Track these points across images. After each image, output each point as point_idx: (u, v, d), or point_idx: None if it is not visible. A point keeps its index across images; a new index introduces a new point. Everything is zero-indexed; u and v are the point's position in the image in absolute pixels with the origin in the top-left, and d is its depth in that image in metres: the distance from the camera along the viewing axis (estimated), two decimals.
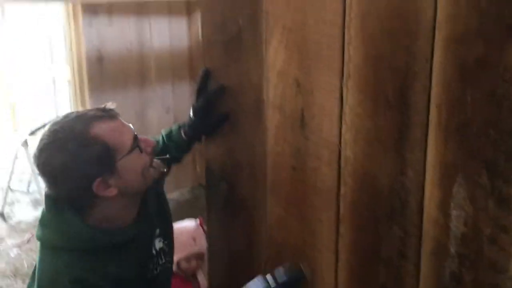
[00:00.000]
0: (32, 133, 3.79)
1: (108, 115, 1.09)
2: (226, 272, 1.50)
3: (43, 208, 1.16)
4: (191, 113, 1.30)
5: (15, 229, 3.61)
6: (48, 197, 1.14)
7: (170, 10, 3.27)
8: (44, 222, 1.15)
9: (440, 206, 0.99)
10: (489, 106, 0.96)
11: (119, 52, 3.11)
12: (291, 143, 1.22)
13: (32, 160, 1.19)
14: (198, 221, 2.17)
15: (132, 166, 1.10)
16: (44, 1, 4.12)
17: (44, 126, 3.78)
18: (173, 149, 1.33)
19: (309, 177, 1.20)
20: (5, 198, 3.82)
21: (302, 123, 1.19)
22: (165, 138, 1.36)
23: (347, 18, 1.09)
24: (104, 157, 1.05)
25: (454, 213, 0.97)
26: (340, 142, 1.16)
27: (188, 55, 3.52)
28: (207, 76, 1.27)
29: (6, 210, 3.85)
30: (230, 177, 1.35)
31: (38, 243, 1.16)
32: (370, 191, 1.11)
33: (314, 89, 1.16)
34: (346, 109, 1.13)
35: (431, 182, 1.05)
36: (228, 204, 1.40)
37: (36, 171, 1.11)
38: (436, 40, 1.00)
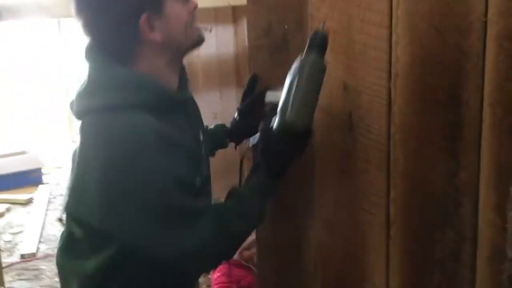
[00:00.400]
0: None
1: None
2: (275, 276, 1.50)
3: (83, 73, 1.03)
4: (236, 114, 1.31)
5: None
6: (90, 51, 1.03)
7: (216, 18, 3.33)
8: (88, 89, 1.00)
9: (496, 208, 0.96)
10: None
11: None
12: (339, 146, 1.21)
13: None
14: None
15: (177, 14, 1.02)
16: None
17: None
18: (212, 143, 1.33)
19: (358, 180, 1.19)
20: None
21: (350, 125, 1.19)
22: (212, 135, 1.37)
23: (394, 18, 1.08)
24: None
25: (511, 215, 0.93)
26: (389, 144, 1.14)
27: (234, 62, 3.56)
28: (254, 80, 1.29)
29: (64, 216, 4.03)
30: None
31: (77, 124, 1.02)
32: (421, 194, 1.09)
33: (362, 90, 1.15)
34: (395, 109, 1.12)
35: (486, 184, 1.02)
36: (275, 207, 1.41)
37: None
38: (487, 37, 0.97)
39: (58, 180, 4.44)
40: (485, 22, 0.97)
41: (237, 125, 1.30)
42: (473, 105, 1.01)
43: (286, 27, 1.23)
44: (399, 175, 1.12)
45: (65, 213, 1.11)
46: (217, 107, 3.58)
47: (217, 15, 3.42)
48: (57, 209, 3.98)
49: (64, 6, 2.62)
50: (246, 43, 4.10)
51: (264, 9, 1.26)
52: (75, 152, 1.06)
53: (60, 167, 4.58)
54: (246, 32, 1.34)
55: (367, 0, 1.09)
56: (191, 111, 1.14)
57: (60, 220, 4.00)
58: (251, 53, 1.37)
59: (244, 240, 1.10)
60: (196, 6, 1.07)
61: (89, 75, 1.01)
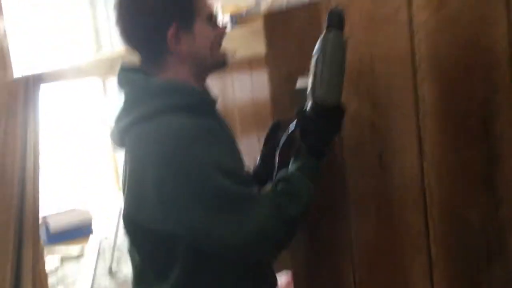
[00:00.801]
0: None
1: None
2: None
3: (120, 95, 1.08)
4: (258, 158, 1.32)
5: (122, 285, 3.80)
6: (121, 75, 1.09)
7: (251, 65, 3.41)
8: (125, 107, 1.05)
9: None
10: None
11: None
12: (372, 187, 1.19)
13: (114, 6, 1.08)
14: (288, 275, 2.13)
15: (205, 33, 1.08)
16: None
17: None
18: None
19: (395, 222, 1.15)
20: (112, 255, 4.07)
21: (381, 165, 1.16)
22: None
23: (417, 55, 1.07)
24: (187, 5, 1.05)
25: None
26: (423, 182, 1.10)
27: (270, 106, 3.59)
28: (276, 126, 1.29)
29: (114, 267, 4.09)
30: (309, 223, 1.33)
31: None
32: (462, 233, 1.04)
33: (391, 129, 1.13)
34: (426, 147, 1.09)
35: None
36: (311, 247, 1.38)
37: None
38: None
39: (107, 232, 4.54)
40: (511, 54, 0.94)
41: (258, 170, 1.31)
42: (508, 137, 0.98)
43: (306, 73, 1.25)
44: (437, 215, 1.08)
45: (126, 237, 1.13)
46: (255, 151, 3.59)
47: (251, 63, 3.50)
48: (107, 261, 4.06)
49: (101, 67, 2.78)
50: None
51: (284, 57, 1.28)
52: (124, 176, 1.11)
53: (108, 218, 4.71)
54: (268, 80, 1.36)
55: (389, 40, 1.10)
56: (222, 118, 1.18)
57: (110, 271, 4.07)
58: (273, 99, 1.39)
59: (300, 222, 1.08)
60: (224, 32, 1.15)
61: (125, 98, 1.08)
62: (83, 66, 1.80)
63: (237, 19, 4.05)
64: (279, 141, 1.18)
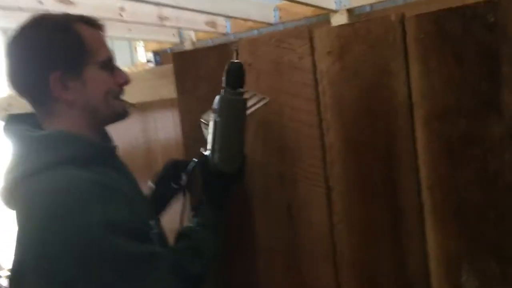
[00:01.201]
0: None
1: (96, 24, 1.00)
2: None
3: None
4: (150, 183, 1.23)
5: None
6: (7, 127, 0.99)
7: (173, 104, 3.33)
8: (12, 163, 0.95)
9: None
10: (483, 185, 0.88)
11: (124, 149, 3.12)
12: (281, 239, 1.13)
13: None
14: None
15: (98, 80, 0.99)
16: None
17: None
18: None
19: (304, 274, 1.10)
20: None
21: (289, 216, 1.11)
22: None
23: (322, 104, 1.04)
24: (74, 51, 0.95)
25: None
26: (332, 235, 1.06)
27: (182, 150, 3.51)
28: (171, 166, 1.22)
29: None
30: (218, 271, 1.24)
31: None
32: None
33: (299, 180, 1.09)
34: (334, 197, 1.06)
35: (437, 273, 0.94)
36: None
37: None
38: (415, 119, 0.94)
39: None
40: (411, 105, 0.94)
41: (155, 196, 1.20)
42: (411, 188, 0.96)
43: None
44: (347, 268, 1.04)
45: None
46: None
47: (173, 102, 3.43)
48: None
49: None
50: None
51: (195, 99, 1.22)
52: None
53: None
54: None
55: (295, 88, 1.07)
56: (121, 166, 1.07)
57: None
58: (185, 144, 1.31)
59: (204, 277, 0.99)
60: (126, 82, 1.05)
61: (12, 151, 0.98)
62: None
63: (161, 57, 3.99)
64: (175, 178, 1.17)
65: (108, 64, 1.01)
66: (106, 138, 1.10)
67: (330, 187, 1.06)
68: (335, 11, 3.03)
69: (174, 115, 3.61)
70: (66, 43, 0.95)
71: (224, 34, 3.52)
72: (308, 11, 3.17)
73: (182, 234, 1.02)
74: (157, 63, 3.87)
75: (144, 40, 3.74)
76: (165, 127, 3.58)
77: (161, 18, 2.98)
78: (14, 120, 1.01)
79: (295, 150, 1.09)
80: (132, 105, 1.07)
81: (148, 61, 3.83)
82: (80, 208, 0.86)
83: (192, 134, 1.29)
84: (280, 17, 3.25)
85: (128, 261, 0.88)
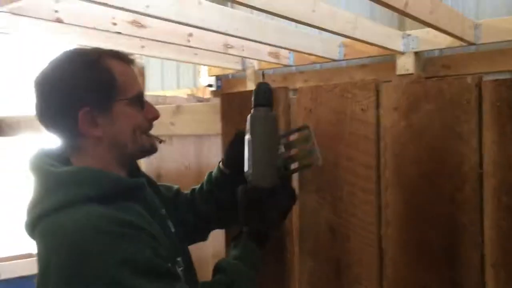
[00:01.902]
0: None
1: (127, 59, 1.00)
2: None
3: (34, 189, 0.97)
4: (230, 143, 1.15)
5: None
6: (33, 162, 0.98)
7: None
8: (35, 198, 0.95)
9: None
10: None
11: (177, 169, 3.17)
12: None
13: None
14: None
15: (127, 117, 0.97)
16: None
17: None
18: (212, 182, 1.17)
19: None
20: None
21: (338, 273, 1.06)
22: (206, 177, 1.21)
23: (382, 159, 1.00)
24: (104, 87, 0.95)
25: None
26: None
27: None
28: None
29: None
30: None
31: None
32: None
33: (350, 235, 1.04)
34: (387, 260, 0.99)
35: None
36: None
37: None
38: (484, 189, 0.87)
39: None
40: (481, 174, 0.87)
41: (231, 152, 1.14)
42: (473, 264, 0.89)
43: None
44: None
45: None
46: None
47: None
48: None
49: None
50: None
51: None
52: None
53: None
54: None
55: (355, 139, 1.03)
56: (150, 199, 1.05)
57: None
58: None
59: None
60: (156, 117, 1.04)
61: (35, 186, 0.97)
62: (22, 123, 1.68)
63: (222, 81, 4.05)
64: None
65: (138, 100, 1.00)
66: (135, 170, 1.08)
67: (383, 248, 1.00)
68: (402, 53, 2.96)
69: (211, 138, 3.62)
70: (96, 79, 0.95)
71: (286, 66, 3.53)
72: (374, 51, 3.12)
73: (218, 268, 0.98)
74: (219, 87, 3.93)
75: (208, 65, 3.82)
76: (219, 153, 3.60)
77: (226, 46, 3.04)
78: (40, 154, 1.01)
79: (349, 204, 1.04)
80: (161, 140, 1.06)
81: (209, 85, 3.90)
82: (99, 248, 0.84)
83: None
84: (345, 54, 3.22)
85: None
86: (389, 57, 3.24)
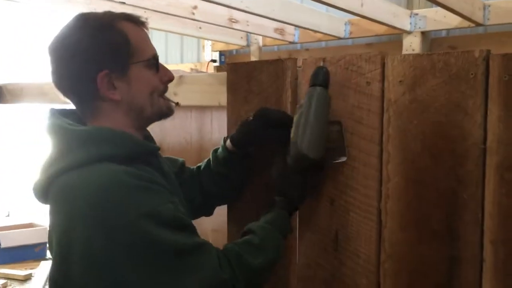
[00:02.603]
0: None
1: (139, 21, 1.00)
2: None
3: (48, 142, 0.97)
4: (251, 114, 1.11)
5: None
6: (50, 120, 0.98)
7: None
8: (51, 156, 0.94)
9: None
10: None
11: (179, 143, 3.17)
12: (323, 267, 1.08)
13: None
14: None
15: (143, 80, 0.98)
16: None
17: None
18: (219, 162, 1.14)
19: None
20: None
21: (336, 245, 1.06)
22: (211, 152, 1.19)
23: (384, 134, 0.99)
24: (121, 49, 0.95)
25: None
26: (379, 272, 1.00)
27: None
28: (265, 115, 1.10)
29: None
30: None
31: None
32: None
33: (350, 209, 1.04)
34: (385, 234, 1.00)
35: None
36: None
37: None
38: (487, 166, 0.87)
39: None
40: (484, 149, 0.87)
41: (247, 127, 1.09)
42: (472, 240, 0.89)
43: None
44: None
45: None
46: None
47: None
48: None
49: None
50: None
51: (243, 113, 1.18)
52: (49, 234, 0.97)
53: None
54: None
55: (358, 113, 1.02)
56: (164, 167, 1.05)
57: None
58: None
59: (264, 276, 0.97)
60: (171, 79, 1.04)
61: (51, 147, 0.97)
62: (46, 88, 1.67)
63: (226, 57, 4.02)
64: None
65: (153, 62, 1.00)
66: (149, 138, 1.09)
67: (382, 222, 1.00)
68: (408, 32, 2.92)
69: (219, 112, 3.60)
70: (112, 42, 0.95)
71: (291, 43, 3.49)
72: (381, 29, 3.08)
73: (249, 230, 0.99)
74: (222, 63, 3.90)
75: (212, 40, 3.78)
76: (221, 128, 3.59)
77: (231, 20, 3.00)
78: (56, 114, 1.01)
79: (350, 177, 1.04)
80: (176, 103, 1.06)
81: (213, 60, 3.88)
82: (124, 201, 0.85)
83: None
84: (351, 32, 3.19)
85: (179, 253, 0.87)
86: (395, 37, 3.20)
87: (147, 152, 0.99)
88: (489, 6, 2.61)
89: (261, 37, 3.63)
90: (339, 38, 3.23)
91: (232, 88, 1.21)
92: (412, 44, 2.93)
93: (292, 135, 0.99)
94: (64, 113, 1.01)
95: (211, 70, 3.93)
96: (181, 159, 1.23)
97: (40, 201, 0.98)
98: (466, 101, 0.88)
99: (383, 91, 0.99)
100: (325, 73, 1.01)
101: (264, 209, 1.04)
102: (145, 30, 1.00)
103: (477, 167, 0.87)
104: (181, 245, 0.86)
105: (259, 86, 1.15)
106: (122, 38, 0.95)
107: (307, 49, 3.64)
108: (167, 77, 1.02)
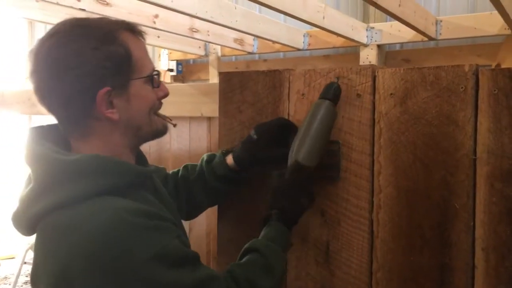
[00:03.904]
0: None
1: (139, 32, 0.91)
2: None
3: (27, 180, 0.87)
4: (253, 132, 1.08)
5: None
6: (33, 145, 0.87)
7: (208, 121, 3.31)
8: (37, 189, 0.84)
9: None
10: None
11: (158, 153, 3.09)
12: (314, 279, 1.08)
13: (28, 54, 0.87)
14: None
15: (143, 96, 0.90)
16: None
17: None
18: (218, 178, 1.10)
19: None
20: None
21: (327, 256, 1.07)
22: (203, 162, 1.12)
23: (376, 145, 1.01)
24: (123, 63, 0.85)
25: None
26: (371, 283, 1.02)
27: None
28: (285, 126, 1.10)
29: None
30: None
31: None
32: None
33: (341, 219, 1.05)
34: (377, 243, 1.01)
35: None
36: None
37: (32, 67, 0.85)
38: (477, 175, 0.91)
39: (7, 272, 4.08)
40: (475, 160, 0.90)
41: (254, 146, 1.06)
42: (464, 247, 0.92)
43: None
44: None
45: None
46: None
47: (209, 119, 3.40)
48: None
49: (26, 102, 2.55)
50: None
51: (236, 123, 1.18)
52: (34, 275, 0.86)
53: (13, 258, 4.25)
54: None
55: (349, 125, 1.03)
56: (158, 186, 0.99)
57: None
58: None
59: None
60: (167, 94, 0.96)
61: (36, 175, 0.86)
62: (6, 96, 1.57)
63: (183, 66, 3.97)
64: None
65: (153, 78, 0.92)
66: (141, 157, 1.01)
67: (374, 232, 1.01)
68: (365, 45, 3.02)
69: (197, 128, 3.58)
70: (115, 56, 0.85)
71: (250, 53, 3.51)
72: (338, 42, 3.16)
73: (251, 249, 0.95)
74: (179, 72, 3.85)
75: (170, 49, 3.73)
76: (179, 138, 3.53)
77: (192, 30, 2.97)
78: (37, 139, 0.89)
79: (341, 188, 1.05)
80: (174, 125, 1.00)
81: (170, 69, 3.82)
82: (132, 242, 0.78)
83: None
84: (309, 44, 3.25)
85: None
86: (351, 49, 3.30)
87: (142, 177, 0.91)
88: (441, 21, 2.75)
89: (219, 47, 3.62)
90: (298, 50, 3.28)
91: (225, 97, 1.19)
92: (368, 57, 3.03)
93: (295, 146, 0.99)
94: (45, 134, 0.90)
95: (167, 79, 3.87)
96: (163, 171, 1.18)
97: (22, 233, 0.88)
98: (456, 113, 0.92)
99: (374, 103, 1.01)
100: (336, 88, 1.01)
101: (256, 216, 1.02)
102: (143, 41, 0.93)
103: (468, 177, 0.91)
104: (191, 282, 0.81)
105: (254, 96, 1.15)
106: (124, 51, 0.86)
107: (265, 60, 3.66)
108: (163, 92, 0.94)
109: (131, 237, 0.78)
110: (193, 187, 1.13)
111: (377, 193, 1.01)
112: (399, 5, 2.23)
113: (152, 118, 0.93)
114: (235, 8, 2.57)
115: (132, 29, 0.90)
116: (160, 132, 0.96)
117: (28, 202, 0.85)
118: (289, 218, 0.99)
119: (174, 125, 0.99)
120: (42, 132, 0.90)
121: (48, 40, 0.85)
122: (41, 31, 4.99)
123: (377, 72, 1.01)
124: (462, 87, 0.91)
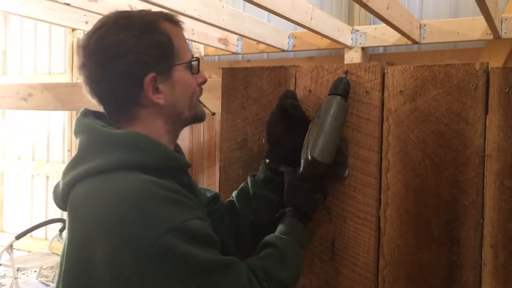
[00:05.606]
0: (19, 237, 3.49)
1: (178, 22, 0.95)
2: None
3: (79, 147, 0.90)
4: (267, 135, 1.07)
5: None
6: (82, 120, 0.92)
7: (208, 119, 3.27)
8: (78, 156, 0.88)
9: None
10: None
11: None
12: (319, 276, 1.07)
13: (77, 49, 0.93)
14: None
15: (185, 82, 0.94)
16: None
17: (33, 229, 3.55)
18: (263, 189, 1.06)
19: None
20: None
21: (332, 253, 1.06)
22: (249, 181, 1.10)
23: (384, 143, 1.01)
24: (166, 50, 0.91)
25: None
26: (377, 280, 1.01)
27: (189, 157, 3.44)
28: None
29: None
30: None
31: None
32: None
33: (347, 216, 1.04)
34: (384, 240, 1.01)
35: None
36: None
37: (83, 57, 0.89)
38: (486, 173, 0.91)
39: None
40: (484, 158, 0.91)
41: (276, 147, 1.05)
42: (472, 244, 0.93)
43: (264, 141, 1.13)
44: None
45: None
46: None
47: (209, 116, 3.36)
48: None
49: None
50: (201, 139, 3.99)
51: (240, 120, 1.16)
52: (64, 246, 0.88)
53: None
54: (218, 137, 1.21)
55: (357, 121, 1.03)
56: (191, 183, 0.99)
57: None
58: (223, 165, 1.25)
59: None
60: (205, 81, 1.00)
61: (80, 145, 0.90)
62: None
63: None
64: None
65: (193, 64, 0.96)
66: (179, 152, 1.03)
67: (381, 229, 1.01)
68: (350, 47, 3.05)
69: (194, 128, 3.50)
70: (158, 44, 0.90)
71: (234, 53, 3.49)
72: (323, 44, 3.18)
73: (267, 243, 0.95)
74: None
75: None
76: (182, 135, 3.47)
77: None
78: (89, 114, 0.95)
79: (347, 186, 1.04)
80: (213, 113, 1.03)
81: None
82: (153, 213, 0.80)
83: (230, 155, 1.23)
84: (294, 45, 3.26)
85: (209, 270, 0.81)
86: (335, 51, 3.32)
87: (179, 167, 0.93)
88: (424, 25, 2.80)
89: (203, 46, 3.59)
90: (282, 51, 3.28)
91: (228, 93, 1.18)
92: (353, 59, 3.05)
93: (308, 143, 0.98)
94: (98, 115, 0.95)
95: None
96: (214, 191, 1.16)
97: (59, 205, 0.90)
98: (467, 111, 0.92)
99: (382, 100, 1.01)
100: (345, 84, 1.01)
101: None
102: (182, 30, 0.96)
103: (478, 174, 0.92)
104: (211, 262, 0.81)
105: (259, 92, 1.13)
106: (166, 39, 0.90)
107: (248, 60, 3.66)
108: (202, 79, 0.98)
109: (153, 207, 0.80)
110: (239, 225, 1.09)
111: (384, 190, 1.01)
112: (387, 8, 2.26)
113: (193, 103, 0.97)
114: (223, 7, 2.55)
115: (171, 19, 0.94)
116: (199, 117, 0.99)
117: (66, 170, 0.89)
118: (304, 214, 0.99)
119: (213, 114, 1.03)
120: (95, 113, 0.95)
121: (95, 33, 0.90)
122: (17, 25, 4.85)
123: (387, 69, 1.01)
124: (473, 85, 0.92)
